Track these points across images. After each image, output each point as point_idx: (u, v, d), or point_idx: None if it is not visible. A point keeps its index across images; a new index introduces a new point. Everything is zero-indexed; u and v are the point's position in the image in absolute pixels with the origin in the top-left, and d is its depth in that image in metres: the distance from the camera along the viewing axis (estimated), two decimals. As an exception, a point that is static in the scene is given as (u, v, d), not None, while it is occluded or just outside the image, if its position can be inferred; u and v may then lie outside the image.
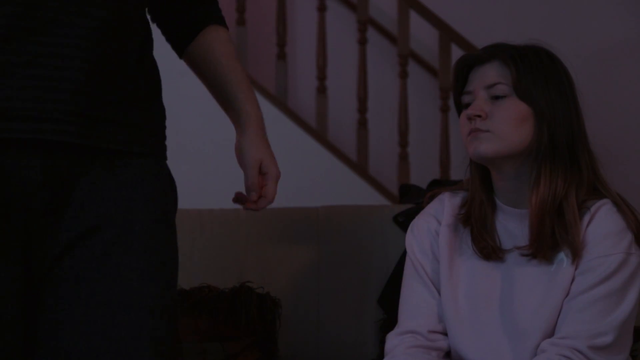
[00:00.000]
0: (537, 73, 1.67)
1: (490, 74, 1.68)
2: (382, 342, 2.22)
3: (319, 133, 3.95)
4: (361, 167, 3.95)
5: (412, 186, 2.66)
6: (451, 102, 4.27)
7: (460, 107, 1.73)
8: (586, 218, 1.67)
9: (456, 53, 4.06)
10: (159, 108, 1.51)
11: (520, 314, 1.67)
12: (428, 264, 1.76)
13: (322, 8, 4.06)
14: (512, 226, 1.71)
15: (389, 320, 2.13)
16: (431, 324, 1.73)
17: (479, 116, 1.66)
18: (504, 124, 1.65)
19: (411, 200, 2.40)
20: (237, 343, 2.08)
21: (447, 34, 3.99)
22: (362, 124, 4.03)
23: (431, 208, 1.80)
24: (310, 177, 3.74)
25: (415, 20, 4.07)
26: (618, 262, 1.63)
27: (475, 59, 1.71)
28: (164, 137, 1.52)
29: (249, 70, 3.96)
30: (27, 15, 1.31)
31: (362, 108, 4.03)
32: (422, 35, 4.34)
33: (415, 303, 1.75)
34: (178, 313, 1.48)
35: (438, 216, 1.78)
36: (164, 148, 1.51)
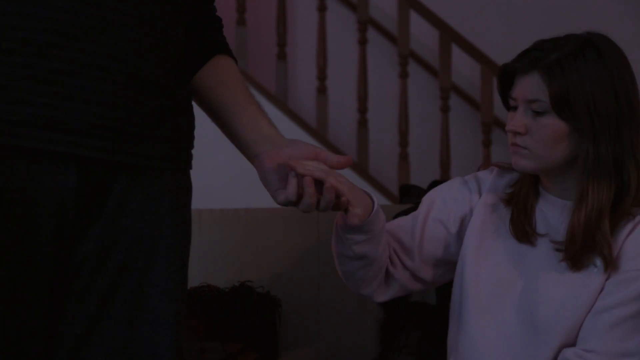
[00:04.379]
0: (579, 83, 1.60)
1: (530, 88, 1.62)
2: (382, 342, 2.22)
3: (319, 133, 3.95)
4: (361, 167, 3.95)
5: (412, 186, 2.67)
6: (451, 102, 4.27)
7: (508, 106, 1.69)
8: (629, 226, 1.62)
9: (456, 53, 4.06)
10: (190, 117, 1.49)
11: (541, 307, 1.63)
12: (456, 211, 1.73)
13: (322, 8, 4.06)
14: (551, 215, 1.68)
15: (389, 319, 2.13)
16: (407, 241, 1.71)
17: (519, 132, 1.63)
18: (541, 144, 1.61)
19: (411, 200, 2.40)
20: (237, 342, 2.08)
21: (447, 34, 3.99)
22: (362, 124, 4.03)
23: (480, 178, 1.77)
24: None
25: (415, 20, 4.07)
26: None
27: (516, 70, 1.65)
28: (192, 146, 1.50)
29: (248, 71, 3.97)
30: (72, 23, 1.29)
31: (362, 108, 4.03)
32: (422, 35, 4.34)
33: (406, 218, 1.74)
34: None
35: (481, 189, 1.75)
36: (190, 157, 1.50)
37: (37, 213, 1.31)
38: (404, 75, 4.01)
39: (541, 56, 1.61)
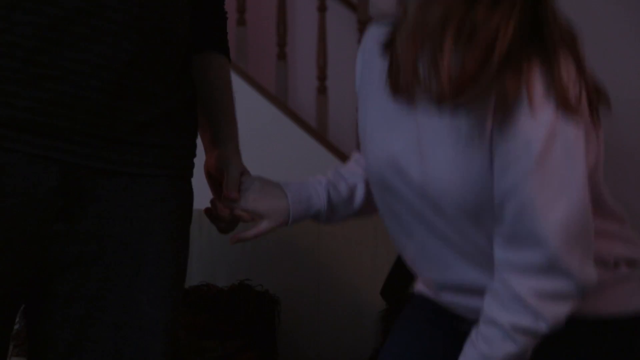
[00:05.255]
0: None
1: None
2: (384, 333, 2.22)
3: (319, 133, 3.95)
4: (361, 167, 3.95)
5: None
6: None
7: None
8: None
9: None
10: (191, 124, 1.50)
11: (433, 182, 1.39)
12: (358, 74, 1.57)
13: (322, 8, 4.06)
14: None
15: (391, 311, 2.14)
16: None
17: None
18: None
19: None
20: (235, 340, 2.08)
21: (447, 34, 3.99)
22: (362, 124, 4.04)
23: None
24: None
25: (415, 20, 4.08)
26: (543, 140, 1.28)
27: None
28: (193, 155, 1.51)
29: (249, 71, 3.97)
30: (61, 29, 1.30)
31: (362, 108, 4.03)
32: (422, 35, 4.34)
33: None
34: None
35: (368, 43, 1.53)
36: (190, 166, 1.50)
37: (15, 207, 1.31)
38: (404, 75, 4.01)
39: None
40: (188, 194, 1.50)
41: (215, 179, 1.62)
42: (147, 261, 1.39)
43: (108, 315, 1.37)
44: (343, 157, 3.91)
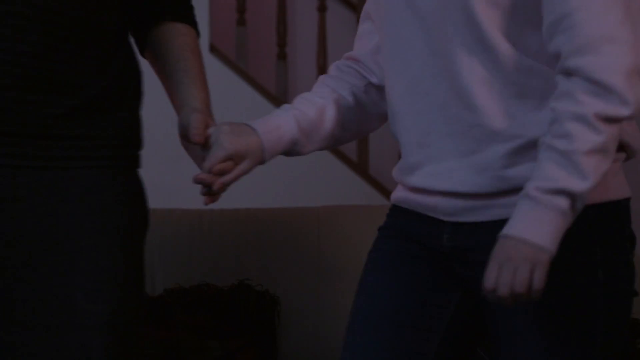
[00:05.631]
0: None
1: None
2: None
3: (319, 133, 3.95)
4: (361, 166, 3.95)
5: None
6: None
7: None
8: None
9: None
10: (127, 115, 1.45)
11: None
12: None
13: (322, 8, 4.06)
14: None
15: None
16: (369, 53, 1.62)
17: None
18: None
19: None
20: (235, 340, 2.09)
21: (447, 34, 3.99)
22: (362, 124, 4.03)
23: None
24: (310, 177, 3.74)
25: (415, 20, 4.07)
26: None
27: None
28: (132, 146, 1.46)
29: (249, 71, 3.97)
30: None
31: (362, 108, 4.03)
32: (422, 35, 4.34)
33: (360, 32, 1.65)
34: (141, 325, 1.43)
35: None
36: (130, 156, 1.46)
37: None
38: (404, 75, 4.00)
39: None
40: (129, 184, 1.46)
41: (191, 145, 1.52)
42: (79, 257, 1.35)
43: (46, 316, 1.34)
44: (342, 156, 3.91)
